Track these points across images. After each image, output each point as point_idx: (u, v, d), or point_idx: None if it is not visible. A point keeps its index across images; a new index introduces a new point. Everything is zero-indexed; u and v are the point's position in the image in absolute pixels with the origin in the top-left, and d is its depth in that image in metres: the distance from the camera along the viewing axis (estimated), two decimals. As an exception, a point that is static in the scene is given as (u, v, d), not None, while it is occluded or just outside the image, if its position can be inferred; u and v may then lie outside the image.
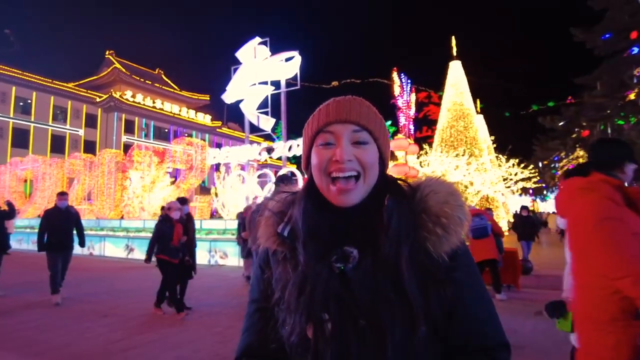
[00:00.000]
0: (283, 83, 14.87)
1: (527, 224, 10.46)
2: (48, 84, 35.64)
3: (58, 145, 36.39)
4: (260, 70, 15.14)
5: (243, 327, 0.85)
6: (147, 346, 4.40)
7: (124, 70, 42.14)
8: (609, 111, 23.98)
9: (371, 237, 0.72)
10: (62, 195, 6.98)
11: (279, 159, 15.16)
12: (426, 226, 0.72)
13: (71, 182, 18.14)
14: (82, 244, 7.12)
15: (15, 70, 33.73)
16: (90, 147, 36.16)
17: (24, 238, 16.01)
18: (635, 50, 22.86)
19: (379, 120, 0.79)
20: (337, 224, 0.75)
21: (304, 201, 0.78)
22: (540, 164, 35.53)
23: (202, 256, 11.57)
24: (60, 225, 6.63)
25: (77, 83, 40.42)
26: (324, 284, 0.70)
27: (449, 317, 0.72)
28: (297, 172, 15.07)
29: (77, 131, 38.04)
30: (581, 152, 30.94)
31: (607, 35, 23.40)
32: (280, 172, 14.57)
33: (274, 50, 15.18)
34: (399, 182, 0.81)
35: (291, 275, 0.74)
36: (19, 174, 19.84)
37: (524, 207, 11.03)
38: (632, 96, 22.00)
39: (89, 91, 39.10)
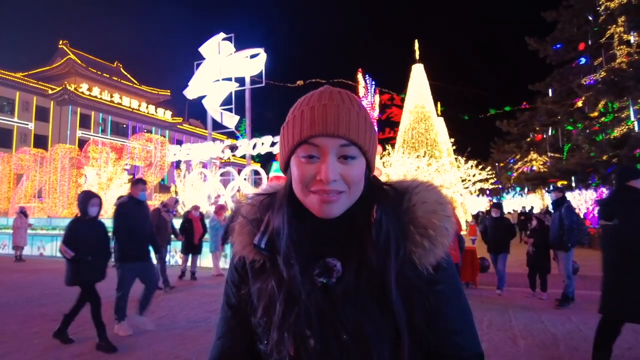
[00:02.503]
0: (248, 80, 14.70)
1: (500, 230, 7.01)
2: (-7, 73, 33.39)
3: (4, 138, 34.13)
4: (225, 66, 14.90)
5: (218, 332, 0.81)
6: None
7: (79, 61, 40.09)
8: (559, 117, 25.39)
9: (356, 249, 0.69)
10: (141, 184, 5.03)
11: (243, 157, 14.99)
12: (413, 238, 0.70)
13: (19, 178, 17.14)
14: (157, 250, 5.56)
15: (-44, 58, 31.45)
16: (41, 142, 34.20)
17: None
18: (583, 60, 24.34)
19: (369, 129, 0.72)
20: (318, 234, 0.71)
21: (286, 211, 0.72)
22: (497, 166, 37.17)
23: (161, 256, 11.23)
24: (142, 226, 4.90)
25: (27, 73, 38.04)
26: (306, 299, 0.67)
27: (429, 327, 0.70)
28: (262, 171, 14.98)
29: (27, 124, 35.85)
30: (534, 155, 32.60)
31: (557, 46, 24.76)
32: (244, 171, 14.50)
33: (239, 46, 15.02)
34: (384, 187, 0.76)
35: (275, 291, 0.70)
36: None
37: (495, 205, 7.52)
38: (579, 103, 23.39)
39: (40, 82, 36.88)
